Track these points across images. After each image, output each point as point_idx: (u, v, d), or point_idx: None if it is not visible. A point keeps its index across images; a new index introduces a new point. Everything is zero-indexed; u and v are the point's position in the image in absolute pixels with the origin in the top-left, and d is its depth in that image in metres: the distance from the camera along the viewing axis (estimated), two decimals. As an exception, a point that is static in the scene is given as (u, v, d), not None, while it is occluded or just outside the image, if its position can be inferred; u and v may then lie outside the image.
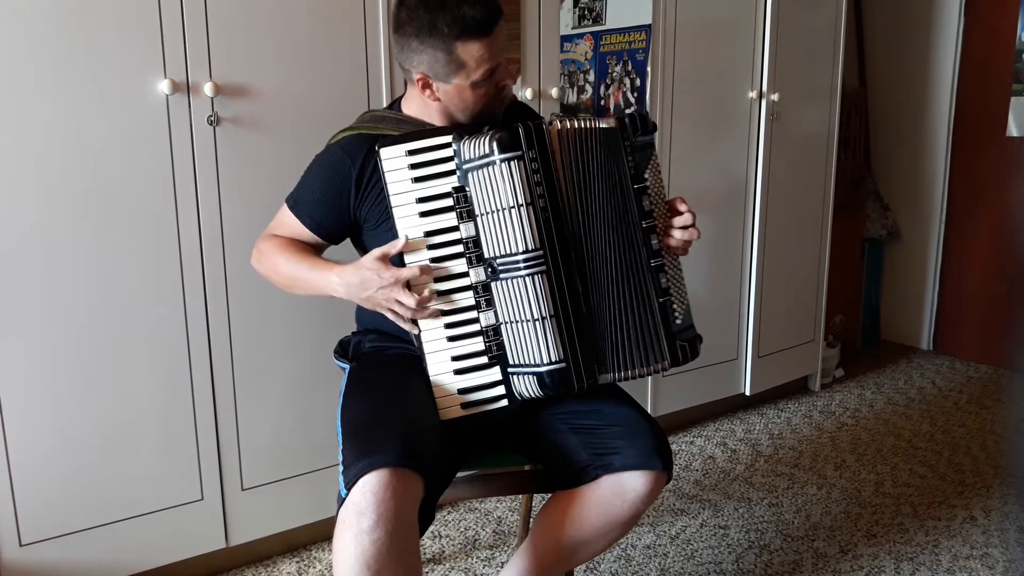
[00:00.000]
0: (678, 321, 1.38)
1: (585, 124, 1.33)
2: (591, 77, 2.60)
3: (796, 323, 2.97)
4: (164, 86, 1.61)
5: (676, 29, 2.39)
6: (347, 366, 1.49)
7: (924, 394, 3.13)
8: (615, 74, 2.50)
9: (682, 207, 1.40)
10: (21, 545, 1.61)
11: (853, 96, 3.49)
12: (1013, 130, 3.26)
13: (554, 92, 2.16)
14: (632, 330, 1.34)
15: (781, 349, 2.92)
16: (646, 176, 1.36)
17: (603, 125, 1.34)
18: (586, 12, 2.60)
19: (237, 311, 1.78)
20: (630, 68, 2.45)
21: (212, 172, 1.70)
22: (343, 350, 1.53)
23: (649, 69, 2.38)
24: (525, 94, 2.11)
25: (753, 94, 2.61)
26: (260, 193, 1.73)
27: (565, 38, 2.64)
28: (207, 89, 1.65)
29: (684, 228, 1.39)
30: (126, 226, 1.63)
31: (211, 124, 1.68)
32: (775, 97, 2.63)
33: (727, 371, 2.78)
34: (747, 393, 2.84)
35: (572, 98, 2.67)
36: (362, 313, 1.53)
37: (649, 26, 2.36)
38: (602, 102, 2.57)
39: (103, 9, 1.54)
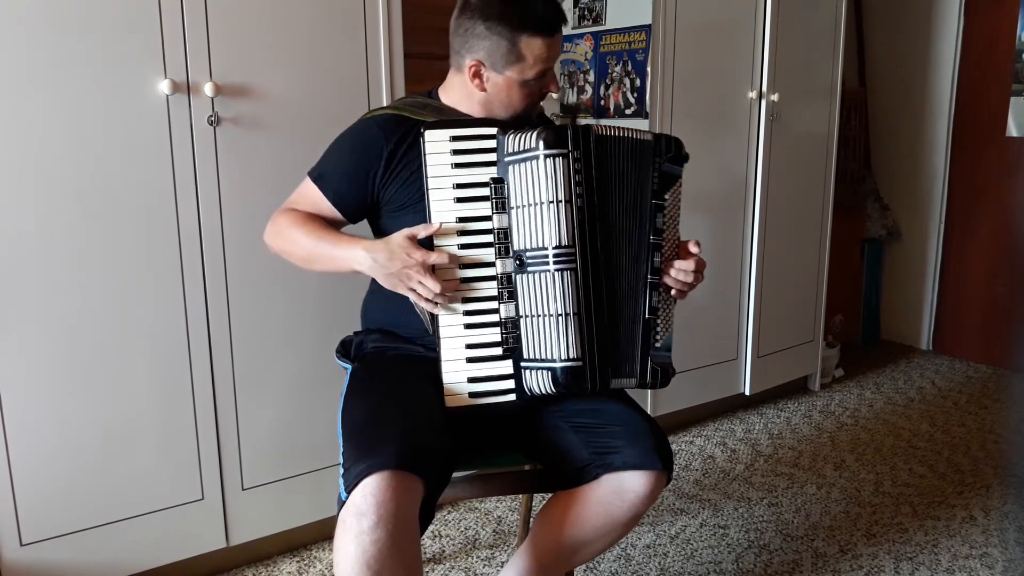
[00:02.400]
0: (657, 344, 1.38)
1: (624, 133, 1.35)
2: (591, 77, 2.60)
3: (796, 323, 2.97)
4: (164, 86, 1.61)
5: (676, 29, 2.40)
6: (349, 366, 1.49)
7: (924, 394, 3.13)
8: (615, 74, 2.51)
9: (694, 248, 1.42)
10: (22, 545, 1.61)
11: (853, 96, 3.50)
12: (1013, 130, 3.26)
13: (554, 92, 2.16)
14: (628, 338, 1.35)
15: (781, 349, 2.92)
16: (666, 197, 1.39)
17: (642, 137, 1.37)
18: (586, 12, 2.60)
19: (237, 310, 1.78)
20: (630, 68, 2.46)
21: (212, 172, 1.70)
22: (345, 350, 1.53)
23: (649, 69, 2.38)
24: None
25: (753, 94, 2.61)
26: (260, 193, 1.73)
27: (565, 38, 2.64)
28: (207, 89, 1.65)
29: (686, 271, 1.39)
30: (126, 226, 1.63)
31: (211, 124, 1.68)
32: (775, 97, 2.64)
33: (727, 371, 2.78)
34: (747, 393, 2.84)
35: (572, 98, 2.67)
36: (370, 310, 1.53)
37: (649, 26, 2.36)
38: (602, 102, 2.57)
39: (103, 9, 1.54)
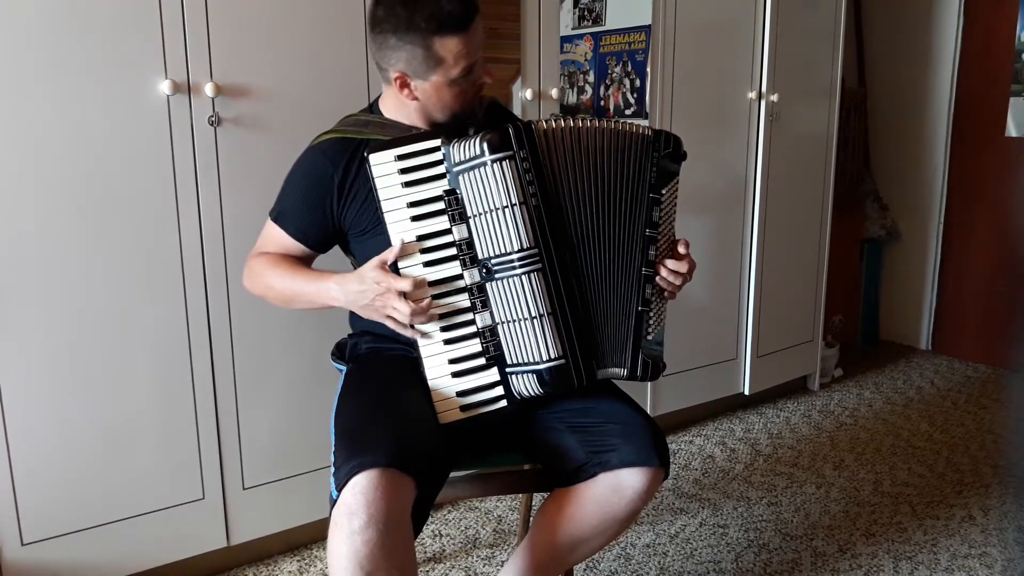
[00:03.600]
0: (649, 336, 1.38)
1: (585, 123, 1.33)
2: (591, 78, 2.60)
3: (795, 323, 2.97)
4: (165, 86, 1.61)
5: (676, 29, 2.40)
6: (344, 368, 1.49)
7: (923, 394, 3.14)
8: (615, 75, 2.51)
9: (683, 249, 1.41)
10: (23, 544, 1.62)
11: (852, 96, 3.50)
12: (1012, 130, 3.27)
13: (554, 93, 2.17)
14: (613, 328, 1.35)
15: (780, 349, 2.93)
16: (663, 192, 1.37)
17: (624, 129, 1.36)
18: (586, 13, 2.61)
19: (238, 311, 1.78)
20: (630, 69, 2.46)
21: (213, 172, 1.71)
22: (340, 352, 1.53)
23: (649, 69, 2.38)
24: (525, 94, 2.11)
25: (753, 94, 2.62)
26: (261, 193, 1.73)
27: (565, 39, 2.64)
28: (208, 89, 1.65)
29: (676, 272, 1.39)
30: (127, 226, 1.63)
31: (212, 124, 1.68)
32: (774, 97, 2.64)
33: (726, 370, 2.78)
34: (746, 392, 2.85)
35: (572, 99, 2.67)
36: (355, 316, 1.53)
37: (649, 26, 2.36)
38: (602, 103, 2.58)
39: (104, 9, 1.55)
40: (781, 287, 2.86)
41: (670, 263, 1.39)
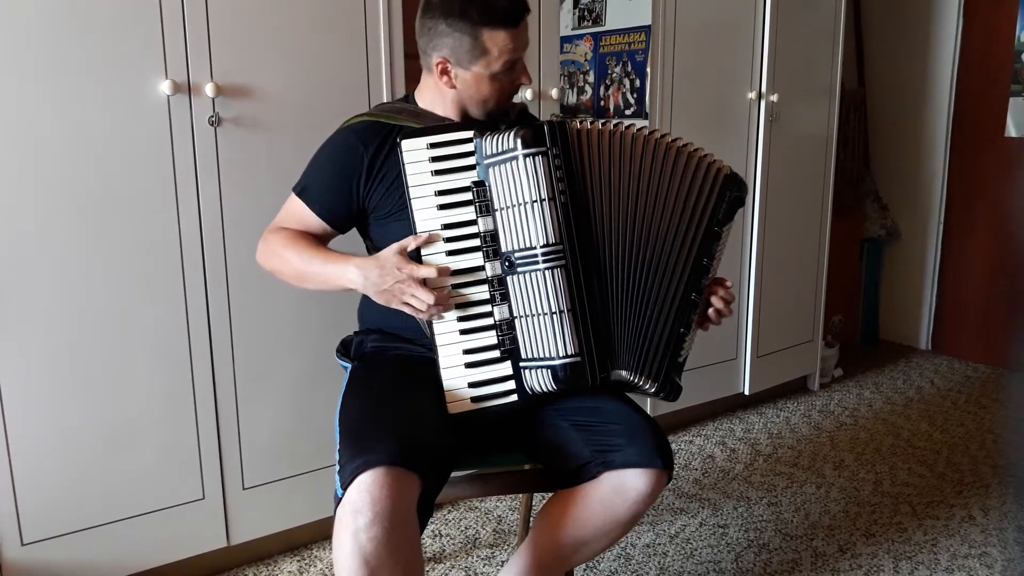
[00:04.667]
0: (680, 359, 1.40)
1: (642, 134, 1.35)
2: (591, 78, 2.60)
3: (795, 323, 2.97)
4: (165, 87, 1.61)
5: (676, 30, 2.40)
6: (348, 365, 1.49)
7: (923, 394, 3.14)
8: (615, 75, 2.51)
9: (728, 285, 1.45)
10: (23, 544, 1.62)
11: (852, 96, 3.50)
12: (1011, 130, 3.27)
13: (554, 93, 2.17)
14: (641, 338, 1.36)
15: (780, 349, 2.93)
16: (725, 230, 1.40)
17: (715, 163, 1.39)
18: (586, 13, 2.61)
19: (238, 310, 1.78)
20: (630, 69, 2.46)
21: (213, 173, 1.71)
22: (345, 349, 1.54)
23: (648, 70, 2.38)
24: (525, 95, 2.11)
25: (752, 95, 2.62)
26: (261, 193, 1.74)
27: (565, 39, 2.64)
28: (208, 90, 1.65)
29: (727, 305, 1.43)
30: (127, 227, 1.63)
31: (212, 125, 1.68)
32: (774, 98, 2.64)
33: (726, 370, 2.79)
34: (746, 392, 2.85)
35: (572, 99, 2.67)
36: (365, 312, 1.54)
37: (649, 27, 2.36)
38: (602, 103, 2.58)
39: (104, 9, 1.55)
40: (781, 287, 2.86)
41: (717, 301, 1.42)
